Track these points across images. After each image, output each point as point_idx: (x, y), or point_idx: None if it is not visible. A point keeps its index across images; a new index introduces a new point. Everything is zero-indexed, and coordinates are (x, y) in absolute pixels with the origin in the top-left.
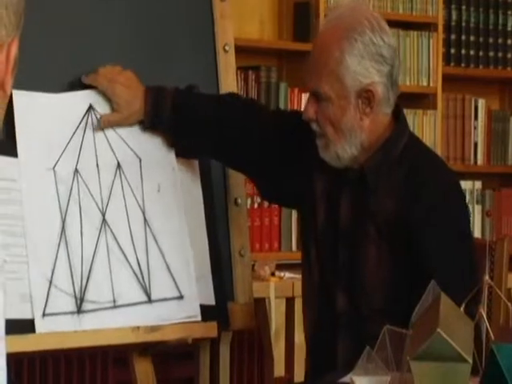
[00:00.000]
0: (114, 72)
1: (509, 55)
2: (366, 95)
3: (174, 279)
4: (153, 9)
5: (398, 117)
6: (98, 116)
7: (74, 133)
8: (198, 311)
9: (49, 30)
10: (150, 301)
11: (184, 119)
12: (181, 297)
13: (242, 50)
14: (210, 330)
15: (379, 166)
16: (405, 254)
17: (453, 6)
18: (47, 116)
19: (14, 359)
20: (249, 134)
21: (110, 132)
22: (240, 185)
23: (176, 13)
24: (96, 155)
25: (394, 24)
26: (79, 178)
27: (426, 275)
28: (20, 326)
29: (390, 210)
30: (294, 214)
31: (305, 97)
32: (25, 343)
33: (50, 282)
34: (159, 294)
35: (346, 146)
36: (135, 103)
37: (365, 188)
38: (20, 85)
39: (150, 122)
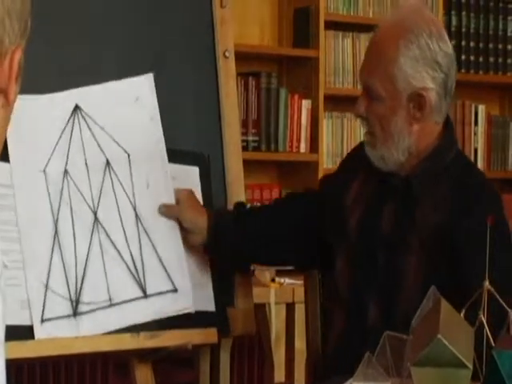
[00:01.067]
0: (187, 197)
1: (509, 61)
2: (418, 100)
3: (167, 273)
4: (153, 15)
5: (446, 127)
6: (84, 115)
7: (62, 133)
8: (191, 303)
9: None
10: (145, 296)
11: (242, 238)
12: (175, 290)
13: (242, 56)
14: (210, 336)
15: (425, 176)
16: (446, 268)
17: (453, 12)
18: (34, 117)
19: (14, 365)
20: (296, 236)
21: (97, 130)
22: (240, 191)
23: (176, 19)
24: (84, 154)
25: None
26: (69, 179)
27: (472, 292)
28: (19, 333)
29: (435, 223)
30: None
31: (305, 103)
32: (24, 349)
33: (46, 287)
34: (154, 289)
35: (392, 150)
36: (201, 221)
37: (409, 197)
38: None
39: (211, 241)
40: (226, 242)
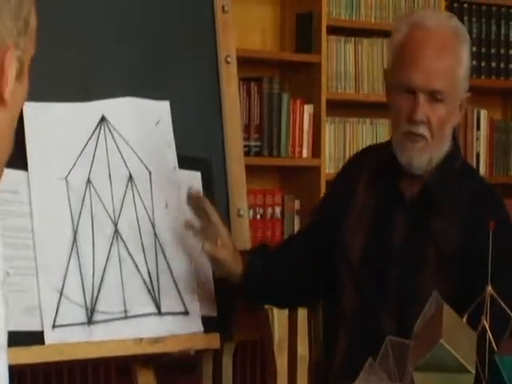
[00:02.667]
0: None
1: (511, 66)
2: (462, 106)
3: (180, 295)
4: (154, 21)
5: (453, 134)
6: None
7: (87, 143)
8: (201, 326)
9: (58, 40)
10: (159, 313)
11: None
12: (186, 312)
13: (244, 61)
14: (213, 341)
15: (442, 183)
16: (463, 279)
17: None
18: (59, 126)
19: (17, 371)
20: (318, 267)
21: (121, 144)
22: (242, 196)
23: (178, 24)
24: (108, 166)
25: None
26: (91, 188)
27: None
28: (28, 338)
29: (453, 233)
30: (297, 225)
31: (307, 108)
32: (33, 355)
33: (61, 293)
34: (168, 308)
35: (439, 151)
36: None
37: (425, 206)
38: (30, 95)
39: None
40: (256, 290)
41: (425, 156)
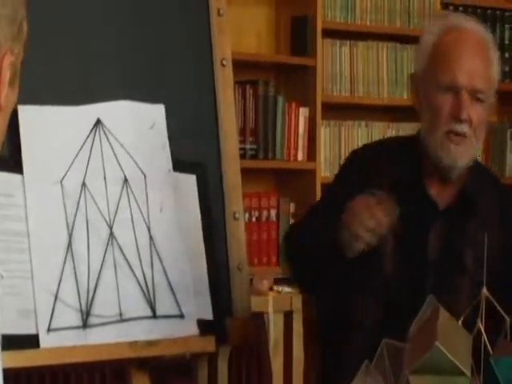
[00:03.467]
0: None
1: (506, 68)
2: (491, 107)
3: (175, 298)
4: (150, 24)
5: None
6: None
7: (82, 146)
8: (196, 330)
9: (56, 43)
10: (155, 316)
11: None
12: (182, 316)
13: (239, 65)
14: (208, 344)
15: (479, 185)
16: (502, 280)
17: None
18: (54, 129)
19: (12, 375)
20: None
21: (117, 147)
22: (238, 199)
23: (173, 27)
24: (104, 169)
25: (391, 37)
26: (87, 192)
27: None
28: (23, 342)
29: (492, 238)
30: None
31: (302, 110)
32: (27, 358)
33: (56, 297)
34: (163, 311)
35: (477, 151)
36: None
37: (462, 211)
38: (26, 98)
39: None
40: None
41: (468, 156)
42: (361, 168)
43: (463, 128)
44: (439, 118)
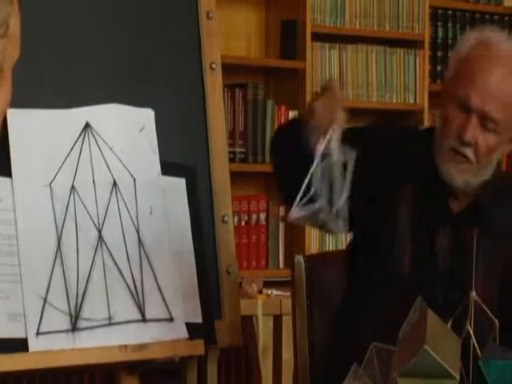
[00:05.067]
0: None
1: None
2: None
3: (164, 301)
4: (139, 27)
5: None
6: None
7: (71, 150)
8: (185, 333)
9: (44, 47)
10: (144, 320)
11: None
12: (171, 319)
13: (228, 68)
14: (197, 347)
15: (493, 196)
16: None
17: (439, 24)
18: (43, 132)
19: (0, 378)
20: None
21: (106, 150)
22: (227, 202)
23: (163, 31)
24: (93, 172)
25: (380, 41)
26: (76, 195)
27: None
28: (12, 345)
29: (504, 246)
30: (282, 231)
31: (292, 114)
32: (16, 362)
33: (45, 300)
34: (152, 314)
35: (480, 177)
36: None
37: (472, 222)
38: (15, 102)
39: None
40: None
41: (466, 177)
42: (384, 148)
43: (466, 151)
44: (446, 132)
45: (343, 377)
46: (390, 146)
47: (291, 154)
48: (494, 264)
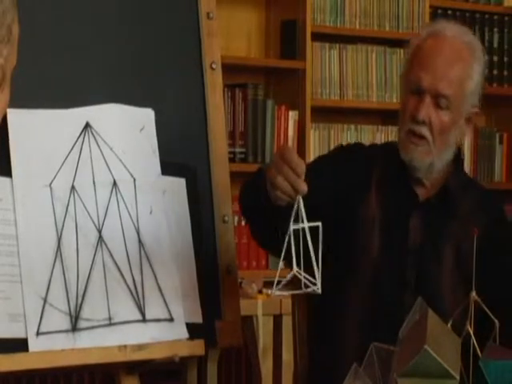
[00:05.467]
0: None
1: (495, 72)
2: (470, 121)
3: (165, 301)
4: (138, 27)
5: None
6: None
7: (71, 150)
8: (186, 333)
9: (44, 46)
10: (144, 320)
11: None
12: (171, 319)
13: (229, 68)
14: (198, 347)
15: (459, 187)
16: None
17: None
18: (43, 132)
19: (0, 379)
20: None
21: (106, 149)
22: (227, 202)
23: (163, 31)
24: (93, 172)
25: (380, 41)
26: (76, 195)
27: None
28: (12, 345)
29: (470, 234)
30: None
31: (292, 114)
32: (16, 362)
33: (45, 300)
34: (153, 315)
35: (443, 160)
36: None
37: (443, 209)
38: (15, 102)
39: None
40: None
41: (426, 159)
42: (359, 156)
43: (421, 130)
44: (403, 118)
45: (343, 377)
46: (354, 158)
47: (258, 206)
48: (461, 251)
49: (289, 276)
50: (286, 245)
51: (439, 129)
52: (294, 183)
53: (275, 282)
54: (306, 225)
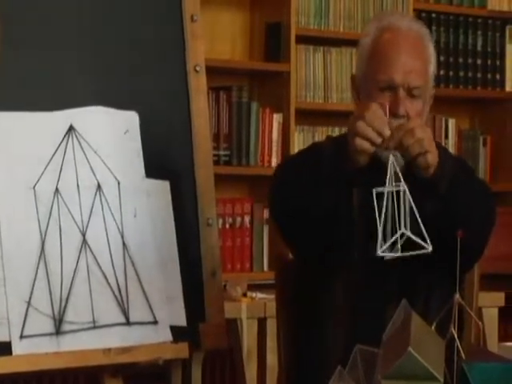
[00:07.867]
0: None
1: (478, 75)
2: (431, 98)
3: (149, 304)
4: (123, 30)
5: None
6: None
7: (55, 152)
8: (170, 336)
9: (28, 50)
10: (128, 323)
11: None
12: (155, 322)
13: (213, 70)
14: (182, 350)
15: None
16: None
17: None
18: (27, 135)
19: None
20: None
21: (90, 153)
22: (211, 205)
23: (147, 33)
24: (76, 175)
25: None
26: (59, 198)
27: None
28: None
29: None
30: (266, 234)
31: (276, 116)
32: (0, 365)
33: (28, 304)
34: (137, 317)
35: None
36: None
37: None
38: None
39: None
40: None
41: None
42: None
43: (400, 122)
44: None
45: (328, 379)
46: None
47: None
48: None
49: (394, 237)
50: (385, 207)
51: (415, 116)
52: (378, 126)
53: (378, 245)
54: (395, 188)
